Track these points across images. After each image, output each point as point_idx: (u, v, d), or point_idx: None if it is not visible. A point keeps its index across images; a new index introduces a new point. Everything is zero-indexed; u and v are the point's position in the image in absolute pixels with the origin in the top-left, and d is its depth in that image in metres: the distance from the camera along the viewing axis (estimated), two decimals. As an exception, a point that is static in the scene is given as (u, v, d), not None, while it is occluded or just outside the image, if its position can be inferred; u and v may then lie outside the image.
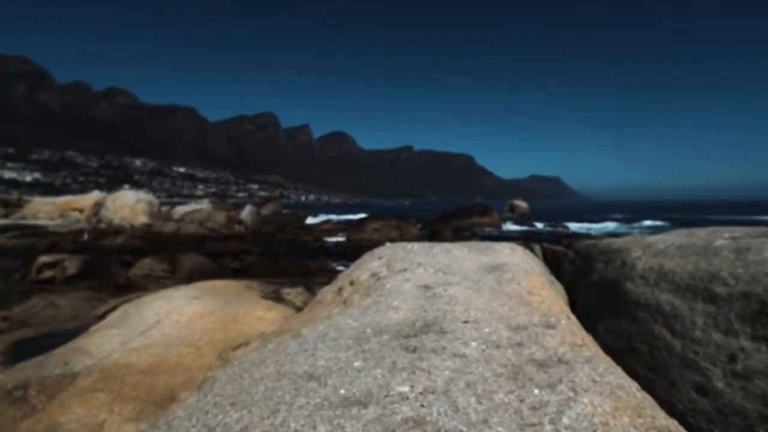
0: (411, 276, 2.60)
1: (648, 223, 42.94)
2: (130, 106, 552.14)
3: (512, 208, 51.61)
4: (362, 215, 27.65)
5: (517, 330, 1.78)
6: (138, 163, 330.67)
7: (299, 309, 5.14)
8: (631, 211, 79.23)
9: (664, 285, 3.40)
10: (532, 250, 6.99)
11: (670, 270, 3.51)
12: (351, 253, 15.73)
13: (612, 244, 5.14)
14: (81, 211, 25.32)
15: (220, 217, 23.84)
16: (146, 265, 8.74)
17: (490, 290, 2.44)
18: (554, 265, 6.20)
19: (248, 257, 12.89)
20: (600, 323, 4.09)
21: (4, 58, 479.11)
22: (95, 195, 26.16)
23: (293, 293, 5.87)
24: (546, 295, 2.91)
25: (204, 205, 28.67)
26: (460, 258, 3.72)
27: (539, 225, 37.26)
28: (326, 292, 3.50)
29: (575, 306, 5.04)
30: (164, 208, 31.02)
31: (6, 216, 23.24)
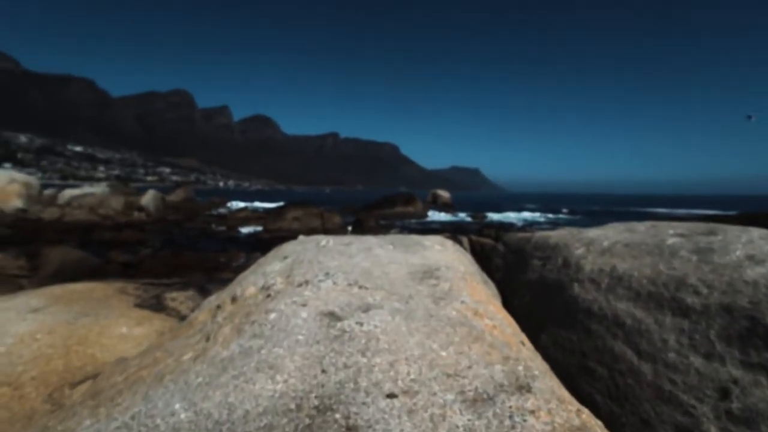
0: (313, 294, 1.77)
1: (566, 211, 46.39)
2: (10, 72, 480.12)
3: (435, 198, 52.69)
4: (283, 203, 26.11)
5: (477, 407, 1.03)
6: (23, 138, 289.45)
7: (184, 318, 4.09)
8: (545, 201, 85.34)
9: (621, 291, 2.91)
10: (460, 243, 6.45)
11: (625, 273, 3.04)
12: (266, 244, 14.48)
13: (548, 239, 4.70)
14: (-68, 192, 20.92)
15: (117, 202, 20.95)
16: (-5, 261, 6.92)
17: (425, 316, 1.68)
18: (483, 259, 5.73)
19: (143, 249, 11.14)
20: (542, 333, 3.56)
21: None
22: (-49, 173, 21.74)
23: (180, 298, 4.74)
24: (494, 313, 2.24)
25: (98, 188, 25.29)
26: (383, 259, 2.96)
27: (462, 215, 38.28)
28: (203, 310, 2.55)
29: (509, 308, 4.56)
30: (49, 191, 26.86)
31: None
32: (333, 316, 1.52)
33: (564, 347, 3.31)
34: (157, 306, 4.48)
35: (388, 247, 3.66)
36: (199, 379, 1.09)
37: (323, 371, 1.10)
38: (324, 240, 4.08)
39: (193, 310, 4.36)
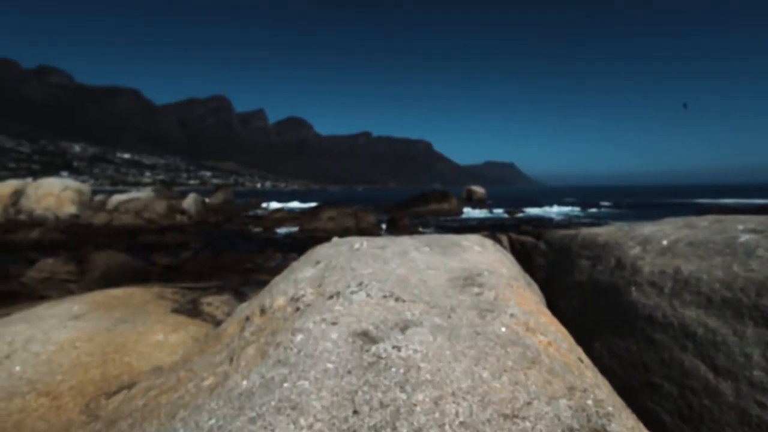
0: (344, 309, 1.60)
1: (607, 204, 44.30)
2: (65, 87, 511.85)
3: (470, 195, 51.83)
4: (318, 203, 26.30)
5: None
6: (77, 148, 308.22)
7: (220, 324, 4.05)
8: (584, 195, 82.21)
9: (688, 297, 2.59)
10: (499, 241, 6.16)
11: (691, 276, 2.71)
12: (302, 244, 14.59)
13: (596, 236, 4.36)
14: (-4, 200, 22.46)
15: (160, 206, 21.77)
16: (47, 266, 7.23)
17: (471, 334, 1.48)
18: (524, 258, 5.42)
19: (184, 252, 11.44)
20: (596, 341, 3.27)
21: None
22: (13, 183, 23.24)
23: (216, 303, 4.73)
24: (547, 325, 2.00)
25: (143, 193, 26.38)
26: (420, 264, 2.76)
27: (498, 211, 37.40)
28: (233, 321, 2.45)
29: (555, 312, 4.26)
30: (99, 197, 28.29)
31: None
32: (367, 337, 1.34)
33: (622, 358, 3.01)
34: (193, 311, 4.48)
35: (425, 250, 3.46)
36: (212, 422, 0.94)
37: (355, 412, 0.92)
38: (358, 242, 3.92)
39: (228, 315, 4.33)
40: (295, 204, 42.17)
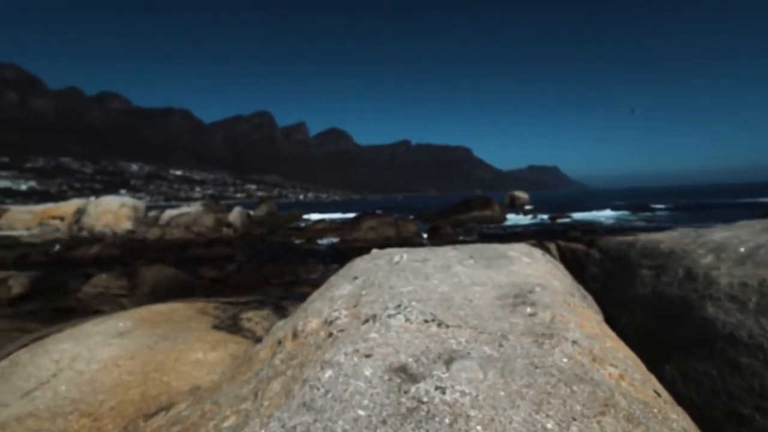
0: (381, 338, 1.42)
1: (660, 207, 41.44)
2: (123, 111, 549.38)
3: (513, 200, 50.46)
4: (358, 213, 26.43)
5: None
6: (134, 167, 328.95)
7: (259, 340, 3.99)
8: (634, 197, 78.00)
9: (782, 315, 2.23)
10: (548, 250, 5.80)
11: (785, 291, 2.33)
12: (343, 255, 14.58)
13: (658, 243, 3.96)
14: (62, 219, 24.11)
15: (208, 220, 22.61)
16: (101, 281, 7.57)
17: (528, 369, 1.27)
18: (575, 268, 5.03)
19: (229, 264, 11.71)
20: (666, 362, 2.91)
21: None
22: (76, 202, 24.92)
23: (255, 319, 4.69)
24: (614, 351, 1.74)
25: (192, 208, 27.50)
26: (464, 280, 2.55)
27: (543, 216, 36.07)
28: (266, 344, 2.33)
29: (615, 328, 3.89)
30: (153, 213, 29.82)
31: (-20, 227, 22.01)
32: (405, 374, 1.16)
33: (700, 384, 2.65)
34: (233, 327, 4.45)
35: (469, 262, 3.23)
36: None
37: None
38: (398, 255, 3.75)
39: (267, 331, 4.27)
40: (336, 215, 42.68)
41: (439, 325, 1.58)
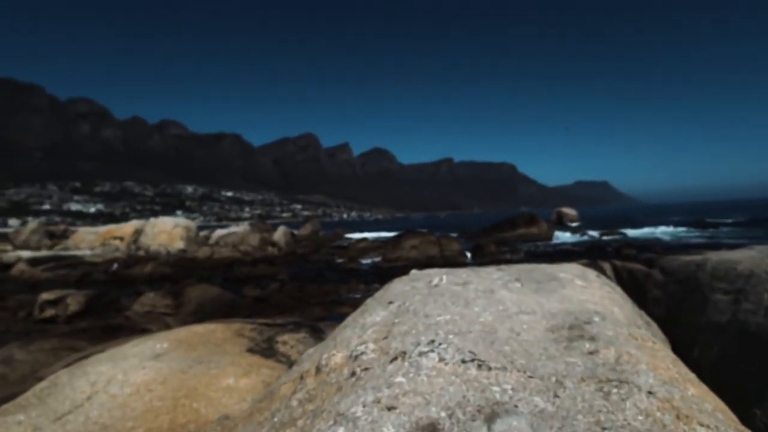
0: (408, 384, 1.20)
1: (725, 222, 37.96)
2: (180, 137, 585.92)
3: (560, 217, 48.49)
4: (401, 231, 26.25)
5: None
6: (189, 189, 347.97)
7: (293, 364, 3.84)
8: (694, 212, 72.72)
9: None
10: (602, 271, 5.33)
11: None
12: (385, 274, 14.37)
13: (735, 264, 3.48)
14: (121, 239, 25.58)
15: (254, 239, 23.20)
16: (148, 300, 7.79)
17: (592, 430, 0.98)
18: (634, 290, 4.55)
19: (272, 283, 11.80)
20: (757, 406, 2.47)
21: (70, 101, 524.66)
22: (134, 223, 26.40)
23: (291, 342, 4.56)
24: (700, 401, 1.40)
25: (239, 227, 28.39)
26: (510, 307, 2.26)
27: (592, 233, 34.25)
28: (291, 376, 2.16)
29: (685, 359, 3.41)
30: (204, 232, 31.08)
31: (51, 247, 23.77)
32: (434, 436, 0.93)
33: (806, 438, 2.19)
34: (268, 350, 4.33)
35: (515, 286, 2.94)
36: None
37: None
38: (437, 277, 3.50)
39: (301, 354, 4.11)
40: (379, 233, 42.70)
41: (479, 366, 1.33)
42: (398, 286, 3.55)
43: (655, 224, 42.08)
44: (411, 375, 1.26)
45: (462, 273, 3.73)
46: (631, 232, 34.57)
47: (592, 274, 3.79)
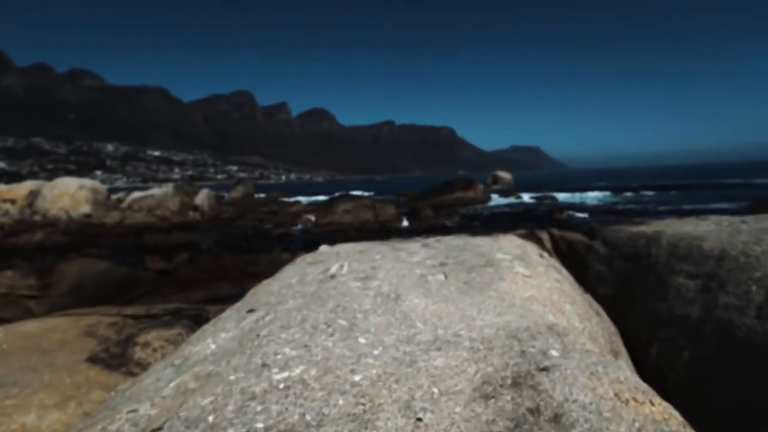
0: None
1: (645, 192, 40.51)
2: (97, 88, 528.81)
3: (496, 180, 49.68)
4: (336, 194, 25.12)
5: None
6: (110, 147, 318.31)
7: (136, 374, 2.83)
8: (615, 178, 77.92)
9: None
10: (540, 242, 4.64)
11: None
12: (316, 240, 13.39)
13: (698, 241, 2.88)
14: (13, 201, 22.23)
15: (174, 203, 21.00)
16: (5, 279, 6.22)
17: None
18: (573, 263, 3.95)
19: (180, 255, 10.40)
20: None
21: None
22: (29, 183, 22.97)
23: (156, 343, 3.49)
24: None
25: (159, 190, 25.81)
26: (420, 331, 1.40)
27: (525, 197, 35.28)
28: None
29: (639, 358, 2.81)
30: (118, 195, 27.98)
31: None
32: None
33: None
34: (119, 358, 3.24)
35: (437, 279, 2.10)
36: None
37: None
38: (337, 264, 2.62)
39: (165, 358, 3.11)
40: (317, 197, 41.23)
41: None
42: (280, 279, 2.63)
43: (582, 189, 44.31)
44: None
45: (375, 254, 2.85)
46: (562, 196, 35.98)
47: (533, 252, 3.06)
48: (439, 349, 1.22)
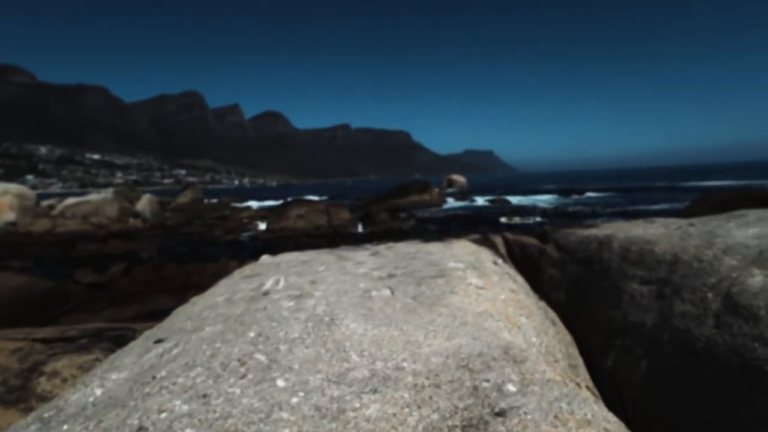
0: None
1: (591, 194, 42.66)
2: (28, 86, 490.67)
3: (451, 183, 50.53)
4: (288, 199, 24.41)
5: None
6: (43, 150, 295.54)
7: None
8: (564, 181, 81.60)
9: None
10: (494, 247, 4.51)
11: None
12: (267, 247, 12.84)
13: (650, 245, 2.80)
14: None
15: (112, 209, 19.58)
16: None
17: None
18: (526, 268, 3.84)
19: (115, 266, 9.59)
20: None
21: None
22: (-59, 189, 20.69)
23: (67, 372, 3.05)
24: None
25: (99, 195, 24.09)
26: (355, 364, 1.16)
27: (479, 200, 36.08)
28: None
29: (594, 365, 2.72)
30: (49, 201, 25.82)
31: None
32: None
33: None
34: (18, 391, 2.79)
35: (382, 295, 1.87)
36: None
37: None
38: (272, 279, 2.35)
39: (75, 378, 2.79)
40: (270, 202, 40.05)
41: None
42: (214, 292, 2.34)
43: (533, 192, 45.94)
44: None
45: (318, 265, 2.59)
46: (514, 199, 37.06)
47: (487, 258, 2.90)
48: (375, 391, 0.99)
